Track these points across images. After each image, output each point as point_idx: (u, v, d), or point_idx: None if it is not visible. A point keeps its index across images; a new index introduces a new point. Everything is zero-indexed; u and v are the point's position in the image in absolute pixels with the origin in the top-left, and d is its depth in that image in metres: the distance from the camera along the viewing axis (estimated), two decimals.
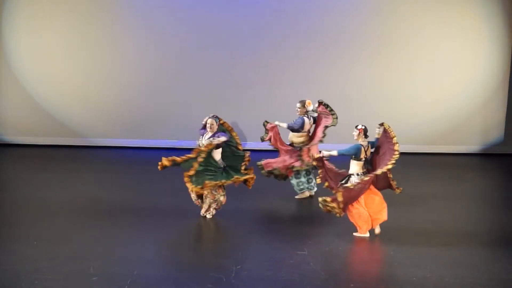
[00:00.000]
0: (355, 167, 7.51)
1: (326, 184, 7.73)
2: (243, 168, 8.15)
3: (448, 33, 12.09)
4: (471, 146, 12.51)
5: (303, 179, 9.12)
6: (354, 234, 7.55)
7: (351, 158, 7.51)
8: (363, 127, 7.54)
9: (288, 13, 12.10)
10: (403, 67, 12.22)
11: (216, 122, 8.05)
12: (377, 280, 6.37)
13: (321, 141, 9.02)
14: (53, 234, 7.45)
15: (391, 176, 7.60)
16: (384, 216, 7.52)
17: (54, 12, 12.05)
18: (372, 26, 12.11)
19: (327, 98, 11.83)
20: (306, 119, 9.04)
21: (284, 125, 9.11)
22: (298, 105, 9.08)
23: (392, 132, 7.48)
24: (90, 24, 12.09)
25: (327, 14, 12.08)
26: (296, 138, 9.10)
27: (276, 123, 9.17)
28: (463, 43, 12.15)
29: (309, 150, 9.01)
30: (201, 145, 7.98)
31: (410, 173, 10.74)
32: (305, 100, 9.08)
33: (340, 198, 7.27)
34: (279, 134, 9.20)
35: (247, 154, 8.29)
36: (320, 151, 7.82)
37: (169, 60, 12.26)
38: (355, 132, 7.52)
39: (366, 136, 7.54)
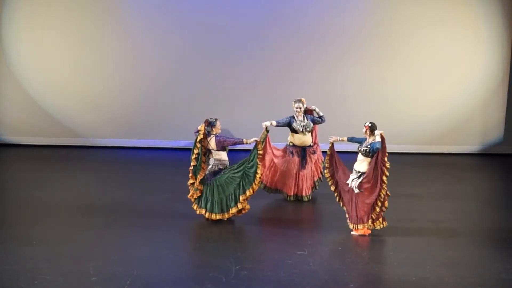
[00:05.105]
0: (367, 165, 7.49)
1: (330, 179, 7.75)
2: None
3: (448, 33, 12.08)
4: (471, 146, 12.51)
5: None
6: (353, 233, 7.59)
7: (367, 155, 7.43)
8: (370, 124, 7.54)
9: (287, 13, 12.09)
10: (403, 67, 12.21)
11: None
12: (377, 280, 6.37)
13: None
14: (53, 234, 7.45)
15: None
16: None
17: (54, 12, 12.04)
18: (372, 26, 12.10)
19: (327, 98, 11.94)
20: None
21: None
22: (300, 105, 8.99)
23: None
24: (90, 24, 12.08)
25: (327, 14, 12.07)
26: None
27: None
28: (463, 43, 12.14)
29: None
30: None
31: (410, 173, 10.75)
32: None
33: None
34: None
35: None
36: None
37: (169, 60, 12.25)
38: (363, 129, 7.54)
39: (372, 133, 7.50)
